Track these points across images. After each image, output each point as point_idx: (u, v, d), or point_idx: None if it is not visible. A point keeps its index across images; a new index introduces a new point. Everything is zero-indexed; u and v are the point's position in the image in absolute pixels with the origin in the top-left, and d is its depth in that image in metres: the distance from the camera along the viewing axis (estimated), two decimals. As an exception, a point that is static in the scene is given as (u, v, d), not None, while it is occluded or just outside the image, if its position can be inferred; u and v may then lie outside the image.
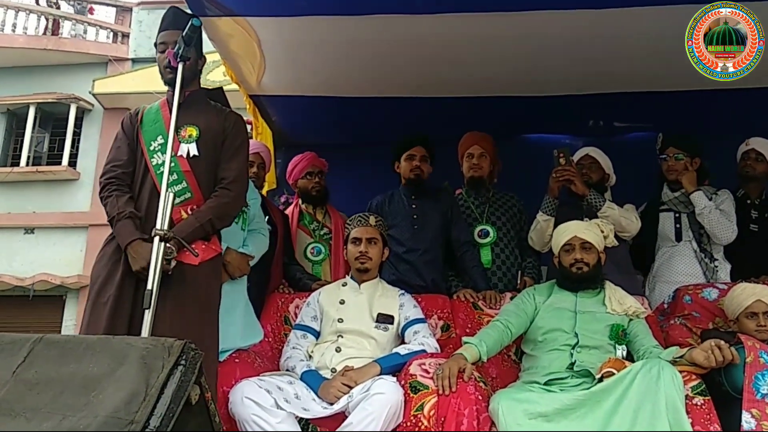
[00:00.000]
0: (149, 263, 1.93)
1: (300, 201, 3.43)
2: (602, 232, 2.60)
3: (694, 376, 2.13)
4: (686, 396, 2.05)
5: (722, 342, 2.16)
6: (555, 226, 2.82)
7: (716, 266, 2.99)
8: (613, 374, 2.13)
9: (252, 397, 2.13)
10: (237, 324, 2.50)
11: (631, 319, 2.47)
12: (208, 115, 2.26)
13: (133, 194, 2.17)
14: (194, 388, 1.31)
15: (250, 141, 3.41)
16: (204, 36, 2.48)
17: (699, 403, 2.06)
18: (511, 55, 3.05)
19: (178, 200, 2.11)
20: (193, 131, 2.19)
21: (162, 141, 2.15)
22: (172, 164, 2.08)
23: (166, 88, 2.30)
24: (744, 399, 2.06)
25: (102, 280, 2.04)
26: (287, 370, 2.47)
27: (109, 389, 1.24)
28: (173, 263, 2.03)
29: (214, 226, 2.19)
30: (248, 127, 3.84)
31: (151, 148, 2.16)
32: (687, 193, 3.01)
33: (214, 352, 2.17)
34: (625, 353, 2.38)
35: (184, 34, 2.09)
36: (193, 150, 2.17)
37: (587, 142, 3.37)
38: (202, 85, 2.39)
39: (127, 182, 2.16)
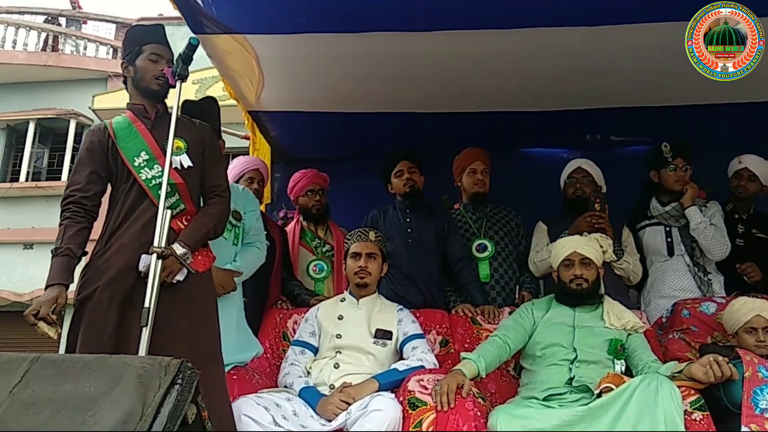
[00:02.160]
0: (42, 312, 1.88)
1: (301, 218, 3.43)
2: (601, 247, 2.61)
3: (692, 391, 2.12)
4: (685, 411, 2.04)
5: (720, 357, 2.15)
6: (553, 239, 2.82)
7: (710, 279, 2.99)
8: (612, 389, 2.13)
9: (250, 414, 2.12)
10: (231, 338, 2.49)
11: (629, 334, 2.47)
12: (184, 127, 2.25)
13: (101, 214, 2.14)
14: (191, 407, 1.30)
15: (249, 157, 3.44)
16: (202, 52, 2.49)
17: (698, 419, 2.06)
18: (508, 71, 3.07)
19: (173, 213, 2.10)
20: (180, 143, 2.18)
21: (146, 156, 2.13)
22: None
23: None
24: (743, 414, 2.05)
25: (96, 299, 2.00)
26: (285, 386, 2.46)
27: (105, 409, 1.23)
28: (185, 272, 2.03)
29: (216, 233, 2.22)
30: (246, 141, 3.89)
31: (136, 164, 2.13)
32: (684, 207, 3.01)
33: (222, 361, 2.17)
34: (623, 368, 2.38)
35: (182, 52, 2.10)
36: (186, 161, 2.18)
37: (584, 156, 3.38)
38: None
39: (85, 206, 2.12)
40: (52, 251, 2.06)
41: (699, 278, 2.98)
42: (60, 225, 2.10)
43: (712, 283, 2.98)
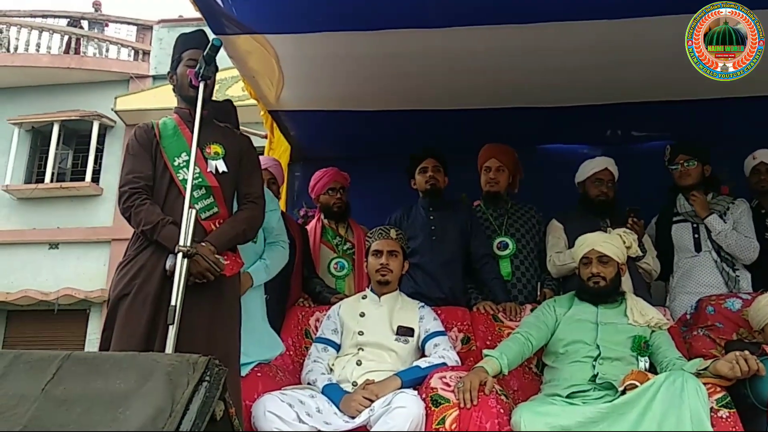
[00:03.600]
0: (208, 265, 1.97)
1: (322, 216, 3.45)
2: (624, 242, 2.58)
3: (718, 389, 2.10)
4: (711, 408, 2.02)
5: (747, 353, 2.13)
6: (572, 238, 2.80)
7: (738, 276, 2.96)
8: (636, 386, 2.11)
9: (274, 411, 2.15)
10: (256, 336, 2.52)
11: (653, 331, 2.45)
12: (225, 133, 2.30)
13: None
14: (218, 403, 1.32)
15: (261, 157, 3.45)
16: (223, 52, 2.52)
17: (724, 416, 2.04)
18: (526, 66, 3.05)
19: (206, 215, 2.15)
20: (218, 149, 2.23)
21: (186, 158, 2.17)
22: (200, 179, 2.12)
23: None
24: (770, 411, 2.03)
25: (135, 291, 2.03)
26: (309, 383, 2.48)
27: (135, 405, 1.25)
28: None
29: (246, 237, 2.25)
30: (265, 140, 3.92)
31: (176, 164, 2.18)
32: (701, 218, 3.01)
33: (238, 365, 2.20)
34: (647, 365, 2.36)
35: (204, 53, 2.13)
36: (222, 166, 2.21)
37: (605, 152, 3.36)
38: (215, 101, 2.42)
39: (150, 195, 2.15)
40: (152, 227, 2.05)
41: (727, 274, 2.96)
42: (140, 206, 2.09)
43: (739, 280, 2.96)
